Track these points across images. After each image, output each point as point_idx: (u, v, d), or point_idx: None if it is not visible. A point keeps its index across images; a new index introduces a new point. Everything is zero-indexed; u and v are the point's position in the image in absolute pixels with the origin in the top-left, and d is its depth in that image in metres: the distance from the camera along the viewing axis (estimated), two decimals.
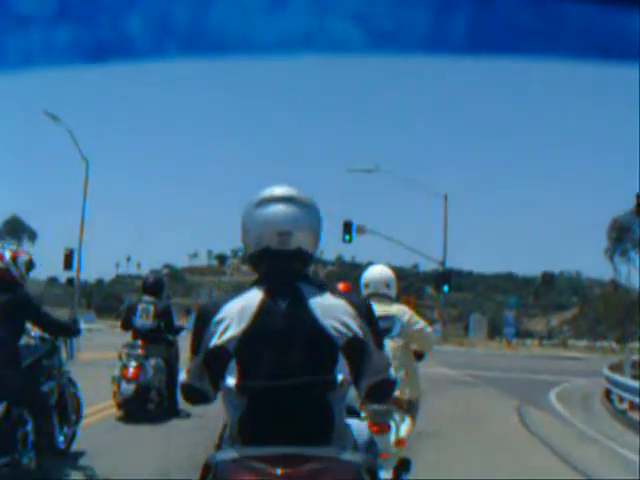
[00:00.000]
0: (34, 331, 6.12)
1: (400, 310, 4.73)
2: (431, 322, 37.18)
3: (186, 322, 11.39)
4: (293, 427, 2.19)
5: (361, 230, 37.25)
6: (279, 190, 2.36)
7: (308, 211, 2.36)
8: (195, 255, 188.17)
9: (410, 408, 4.69)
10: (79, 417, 6.85)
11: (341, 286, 6.90)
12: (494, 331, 68.02)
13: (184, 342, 9.61)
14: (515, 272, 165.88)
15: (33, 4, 0.93)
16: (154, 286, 9.69)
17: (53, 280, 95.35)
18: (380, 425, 4.24)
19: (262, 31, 0.92)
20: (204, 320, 2.29)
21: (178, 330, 9.76)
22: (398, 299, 4.99)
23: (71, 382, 6.74)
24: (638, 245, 47.92)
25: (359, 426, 2.73)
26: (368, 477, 2.20)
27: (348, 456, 2.21)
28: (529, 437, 10.10)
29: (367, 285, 4.85)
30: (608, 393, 15.63)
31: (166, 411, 9.26)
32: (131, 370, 9.02)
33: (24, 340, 5.90)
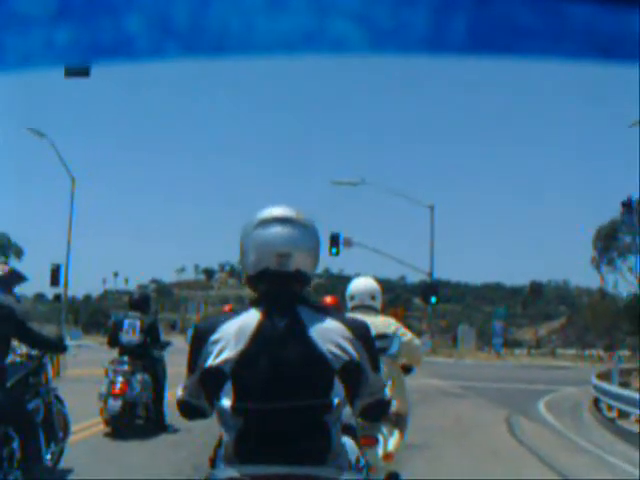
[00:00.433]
0: (19, 348, 6.08)
1: (389, 324, 4.67)
2: (420, 333, 37.15)
3: (172, 337, 11.35)
4: (290, 447, 2.17)
5: (348, 242, 37.27)
6: (278, 211, 2.32)
7: (307, 232, 2.33)
8: (182, 270, 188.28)
9: (398, 421, 4.64)
10: (66, 434, 6.81)
11: (328, 299, 6.92)
12: (483, 342, 67.97)
13: (171, 357, 9.66)
14: (503, 282, 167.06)
15: (33, 4, 0.93)
16: (140, 302, 9.71)
17: (40, 296, 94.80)
18: (368, 438, 4.19)
19: (262, 31, 0.92)
20: (200, 339, 2.27)
21: (164, 345, 9.76)
22: (383, 311, 4.98)
23: (58, 399, 6.69)
24: (624, 254, 48.15)
25: (350, 443, 2.72)
26: None
27: (348, 476, 2.22)
28: (518, 446, 10.11)
29: (352, 297, 4.83)
30: (597, 401, 15.69)
31: (154, 426, 9.23)
32: (118, 386, 8.97)
33: (10, 358, 5.86)
